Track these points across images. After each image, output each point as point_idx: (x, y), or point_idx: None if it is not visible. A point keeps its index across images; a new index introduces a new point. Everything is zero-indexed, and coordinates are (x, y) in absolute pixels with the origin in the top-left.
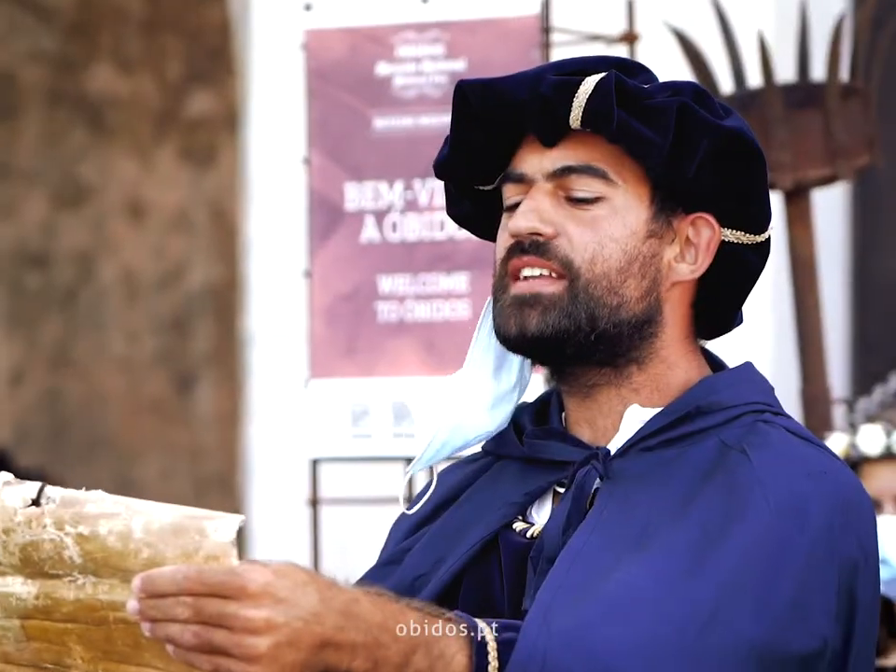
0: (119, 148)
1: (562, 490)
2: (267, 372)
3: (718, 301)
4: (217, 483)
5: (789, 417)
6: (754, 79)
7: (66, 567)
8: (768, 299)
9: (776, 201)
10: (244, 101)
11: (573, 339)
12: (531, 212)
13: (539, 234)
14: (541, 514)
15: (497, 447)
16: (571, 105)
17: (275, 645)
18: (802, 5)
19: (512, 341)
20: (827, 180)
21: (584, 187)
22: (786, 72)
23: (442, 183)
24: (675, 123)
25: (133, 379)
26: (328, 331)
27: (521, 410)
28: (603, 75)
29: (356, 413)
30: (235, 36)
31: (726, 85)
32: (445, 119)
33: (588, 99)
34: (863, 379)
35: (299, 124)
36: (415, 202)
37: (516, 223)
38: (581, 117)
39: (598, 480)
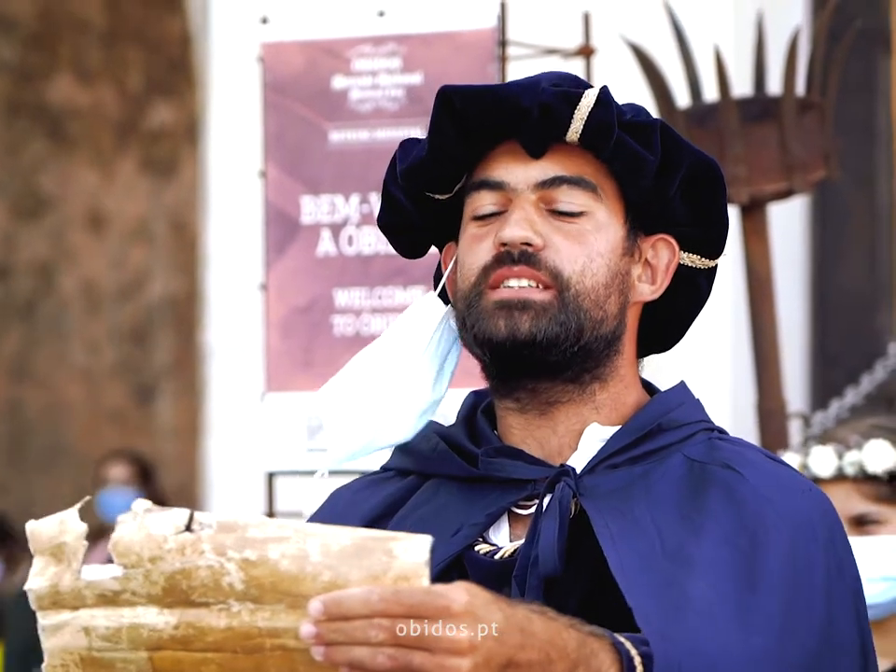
0: (80, 159)
1: (518, 511)
2: (225, 385)
3: (665, 324)
4: (177, 495)
5: (728, 434)
6: (710, 93)
7: (222, 595)
8: (727, 313)
9: (732, 215)
10: (203, 113)
11: (560, 347)
12: (523, 221)
13: (530, 245)
14: (499, 535)
15: (428, 467)
16: (571, 117)
17: (475, 666)
18: (758, 19)
19: (500, 343)
20: (783, 194)
21: (572, 199)
22: (742, 86)
23: (381, 192)
24: (660, 142)
25: (94, 390)
26: (283, 345)
27: (449, 429)
28: (600, 87)
29: (311, 426)
30: (195, 48)
31: (682, 99)
32: (402, 133)
33: (590, 112)
34: (822, 392)
35: (255, 137)
36: (371, 215)
37: (511, 232)
38: (582, 130)
39: (571, 497)
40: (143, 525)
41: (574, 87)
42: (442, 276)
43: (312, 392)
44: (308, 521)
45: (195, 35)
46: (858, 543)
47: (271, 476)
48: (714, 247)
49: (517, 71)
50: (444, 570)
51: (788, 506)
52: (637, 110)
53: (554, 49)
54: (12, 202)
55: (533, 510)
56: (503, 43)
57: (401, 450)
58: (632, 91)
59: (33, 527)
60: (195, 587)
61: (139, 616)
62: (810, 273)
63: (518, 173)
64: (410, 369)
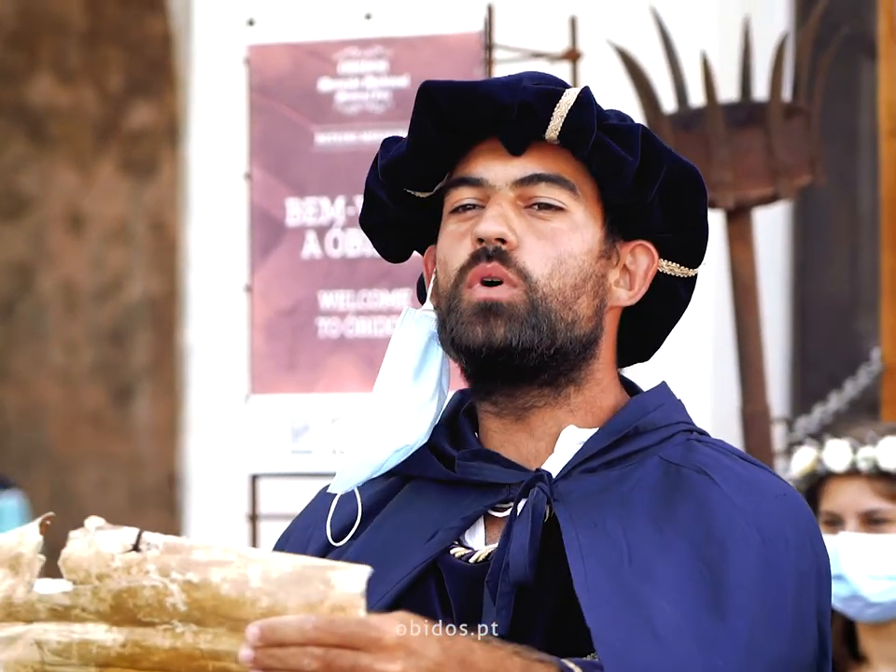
0: (60, 159)
1: (495, 514)
2: (206, 386)
3: (643, 331)
4: (155, 497)
5: (708, 435)
6: (697, 98)
7: (166, 615)
8: (709, 317)
9: (716, 220)
10: (185, 114)
11: (536, 350)
12: (500, 217)
13: (505, 241)
14: (475, 539)
15: (408, 468)
16: (551, 115)
17: None
18: (744, 24)
19: (477, 349)
20: (768, 199)
21: (551, 195)
22: (728, 91)
23: (364, 191)
24: (640, 146)
25: (72, 390)
26: (268, 346)
27: (433, 431)
28: (581, 88)
29: (295, 428)
30: (177, 49)
31: (668, 103)
32: (388, 136)
33: (570, 111)
34: (804, 398)
35: (240, 139)
36: (357, 217)
37: (486, 227)
38: (561, 128)
39: (545, 503)
40: (92, 541)
41: (556, 86)
42: (425, 285)
43: (296, 394)
44: (294, 520)
45: (177, 36)
46: (865, 540)
47: (254, 478)
48: (693, 256)
49: (503, 75)
50: (420, 575)
51: (759, 513)
52: (622, 117)
53: (541, 52)
54: None
55: (508, 513)
56: (489, 46)
57: None
58: (618, 95)
59: None
60: (141, 606)
61: (89, 632)
62: (791, 278)
63: (497, 170)
64: (409, 391)
